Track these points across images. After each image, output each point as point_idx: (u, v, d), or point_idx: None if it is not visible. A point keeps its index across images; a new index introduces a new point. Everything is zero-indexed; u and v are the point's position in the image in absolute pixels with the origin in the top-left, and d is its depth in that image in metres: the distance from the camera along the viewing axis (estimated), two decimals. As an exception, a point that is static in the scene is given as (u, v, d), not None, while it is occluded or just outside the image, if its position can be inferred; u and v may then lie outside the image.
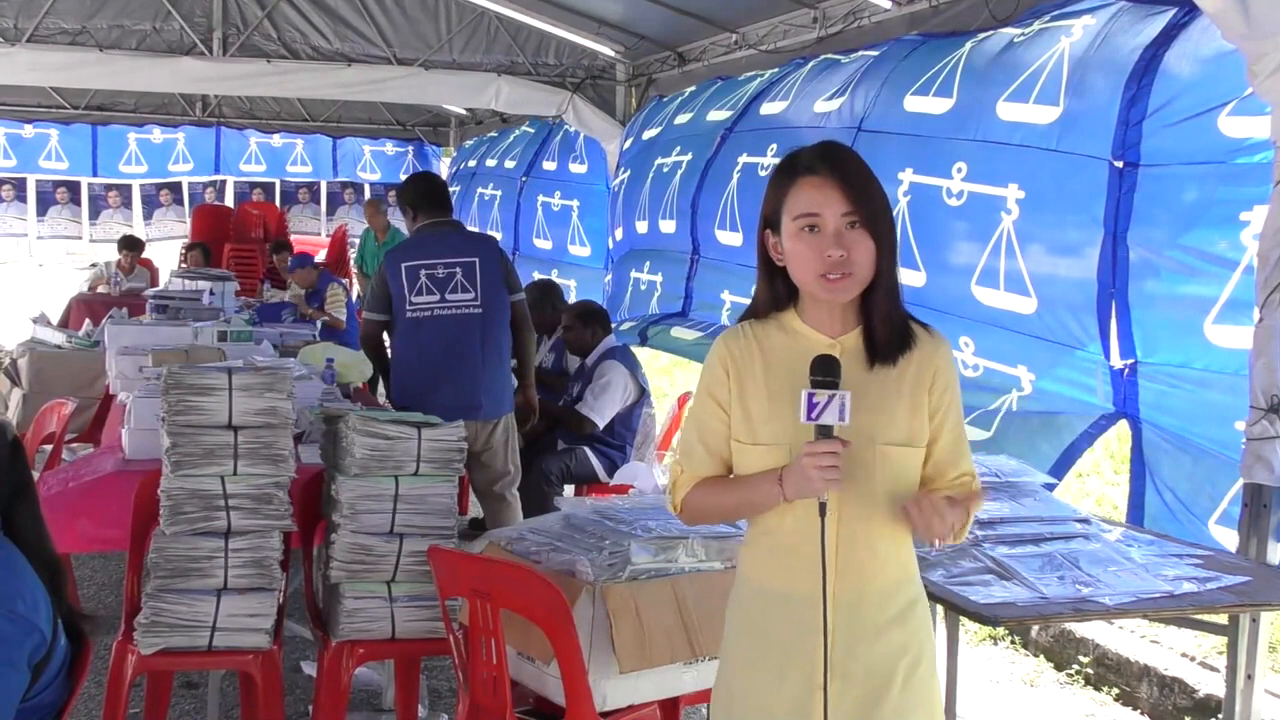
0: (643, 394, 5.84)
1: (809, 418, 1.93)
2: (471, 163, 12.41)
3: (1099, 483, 6.86)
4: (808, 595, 2.02)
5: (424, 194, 5.12)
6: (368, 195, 15.34)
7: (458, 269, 4.89)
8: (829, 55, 6.13)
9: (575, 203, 9.61)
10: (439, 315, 4.88)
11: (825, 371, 1.95)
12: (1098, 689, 4.62)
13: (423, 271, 4.87)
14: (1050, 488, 3.79)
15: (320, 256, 13.31)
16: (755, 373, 2.08)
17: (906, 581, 2.11)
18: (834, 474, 1.92)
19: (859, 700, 2.04)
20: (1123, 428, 4.08)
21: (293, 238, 13.19)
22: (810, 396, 1.93)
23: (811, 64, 6.24)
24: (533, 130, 10.78)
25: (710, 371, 2.14)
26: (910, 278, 4.75)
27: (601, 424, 5.68)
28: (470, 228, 7.13)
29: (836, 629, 2.01)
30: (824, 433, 1.94)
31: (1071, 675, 4.73)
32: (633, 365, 5.83)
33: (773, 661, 2.09)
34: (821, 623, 1.99)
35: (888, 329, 2.05)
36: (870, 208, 2.00)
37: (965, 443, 2.14)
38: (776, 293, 2.12)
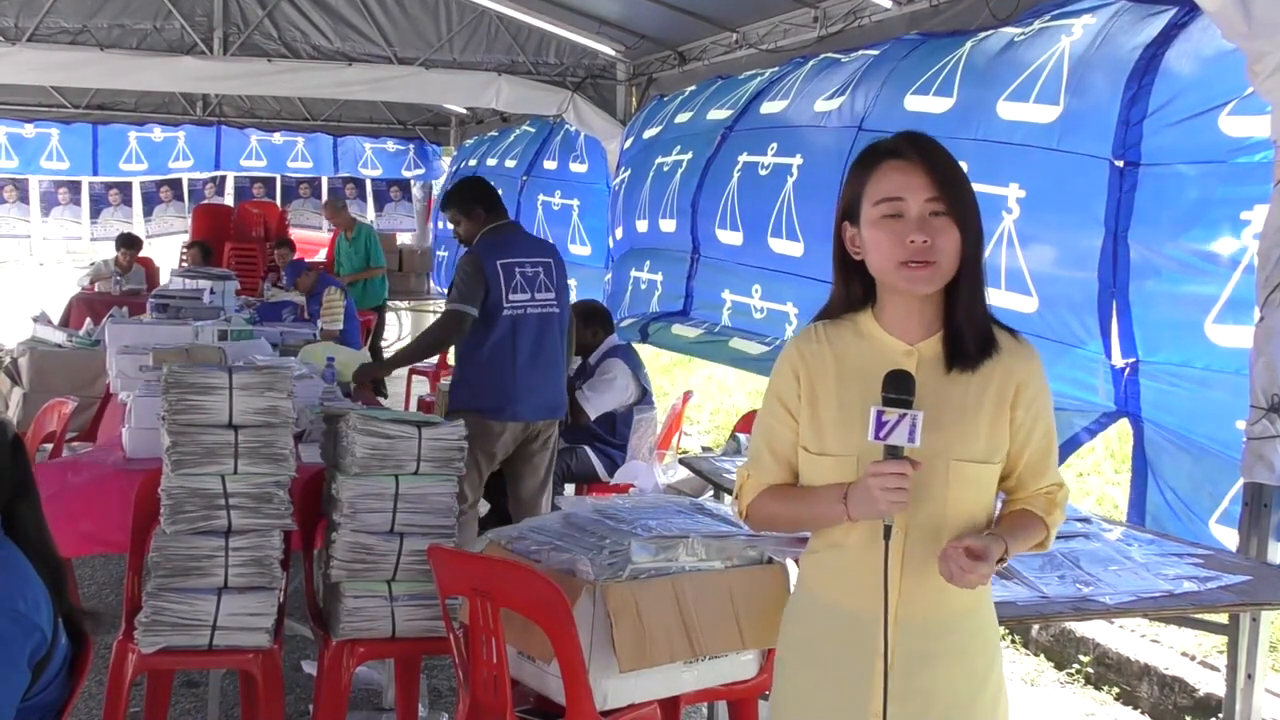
0: (644, 395, 5.83)
1: (877, 436, 1.83)
2: (472, 162, 12.41)
3: (1099, 482, 6.86)
4: (870, 615, 1.93)
5: (485, 196, 5.13)
6: (369, 191, 15.36)
7: (540, 268, 4.94)
8: (829, 54, 6.13)
9: (576, 202, 9.61)
10: (530, 313, 4.90)
11: (898, 389, 1.85)
12: (1098, 688, 4.62)
13: (517, 269, 4.88)
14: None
15: (320, 256, 13.34)
16: (827, 379, 1.98)
17: (976, 607, 2.01)
18: (900, 497, 1.82)
19: None
20: (1124, 427, 4.08)
21: (293, 233, 13.19)
22: (879, 415, 1.83)
23: (812, 63, 6.24)
24: (533, 130, 10.78)
25: (780, 376, 2.03)
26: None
27: (594, 415, 5.67)
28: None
29: (897, 653, 1.92)
30: (893, 452, 1.84)
31: (1072, 674, 4.73)
32: (635, 365, 5.83)
33: (828, 681, 2.01)
34: (882, 646, 1.90)
35: (971, 332, 1.94)
36: (957, 196, 1.90)
37: (1054, 454, 2.04)
38: (852, 292, 2.01)
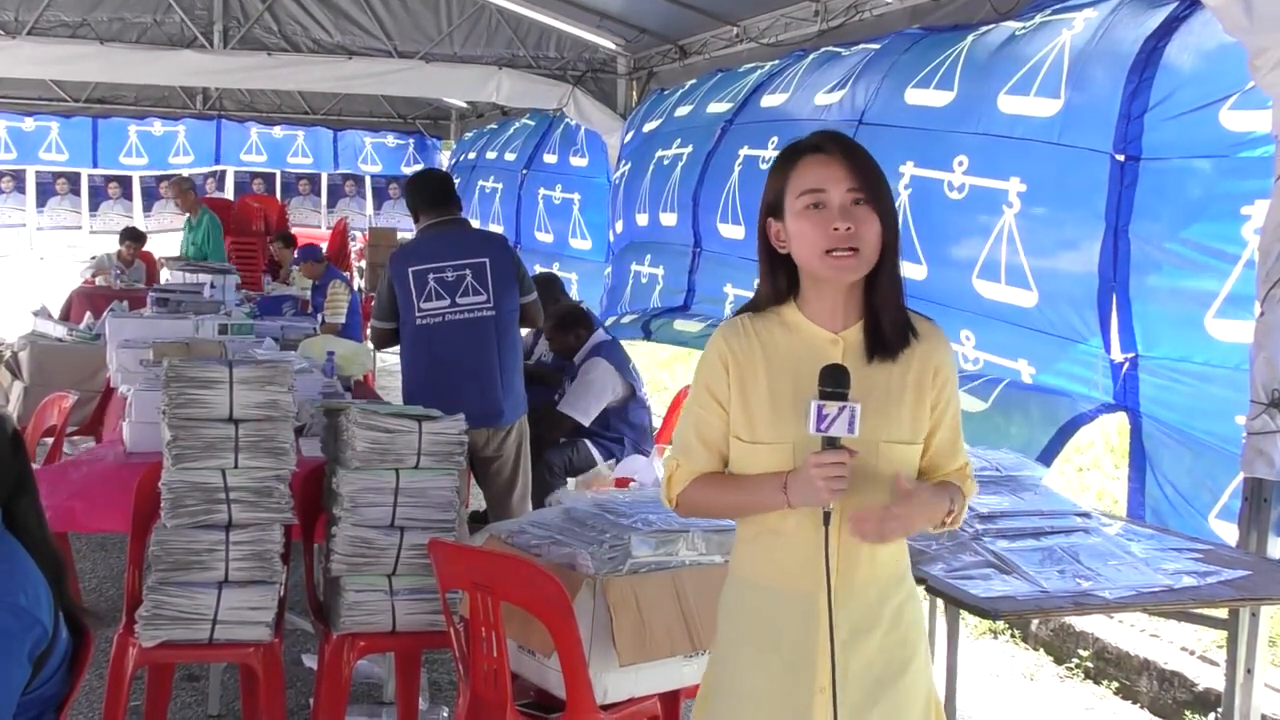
0: (633, 391, 5.80)
1: (818, 429, 1.90)
2: (471, 155, 12.41)
3: (1099, 477, 6.87)
4: (810, 595, 2.00)
5: (423, 194, 4.93)
6: (368, 188, 15.35)
7: (468, 271, 4.71)
8: (830, 48, 6.13)
9: (576, 196, 9.61)
10: (451, 320, 4.69)
11: (835, 382, 1.91)
12: (1097, 683, 4.63)
13: (430, 275, 4.68)
14: (1045, 461, 3.81)
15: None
16: (756, 370, 2.04)
17: (901, 577, 2.10)
18: (841, 485, 1.90)
19: (859, 698, 2.03)
20: (1123, 422, 4.08)
21: (293, 230, 13.21)
22: (820, 408, 1.90)
23: (812, 56, 6.23)
24: (533, 123, 10.77)
25: (708, 366, 2.09)
26: (911, 271, 4.74)
27: (586, 421, 5.63)
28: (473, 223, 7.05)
29: (838, 629, 1.98)
30: (831, 442, 1.91)
31: (1071, 669, 4.74)
32: (620, 362, 5.77)
33: (772, 663, 2.06)
34: (826, 624, 1.97)
35: (889, 319, 2.02)
36: (876, 187, 1.98)
37: (960, 435, 2.13)
38: (778, 285, 2.08)
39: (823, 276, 2.00)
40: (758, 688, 2.08)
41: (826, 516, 1.94)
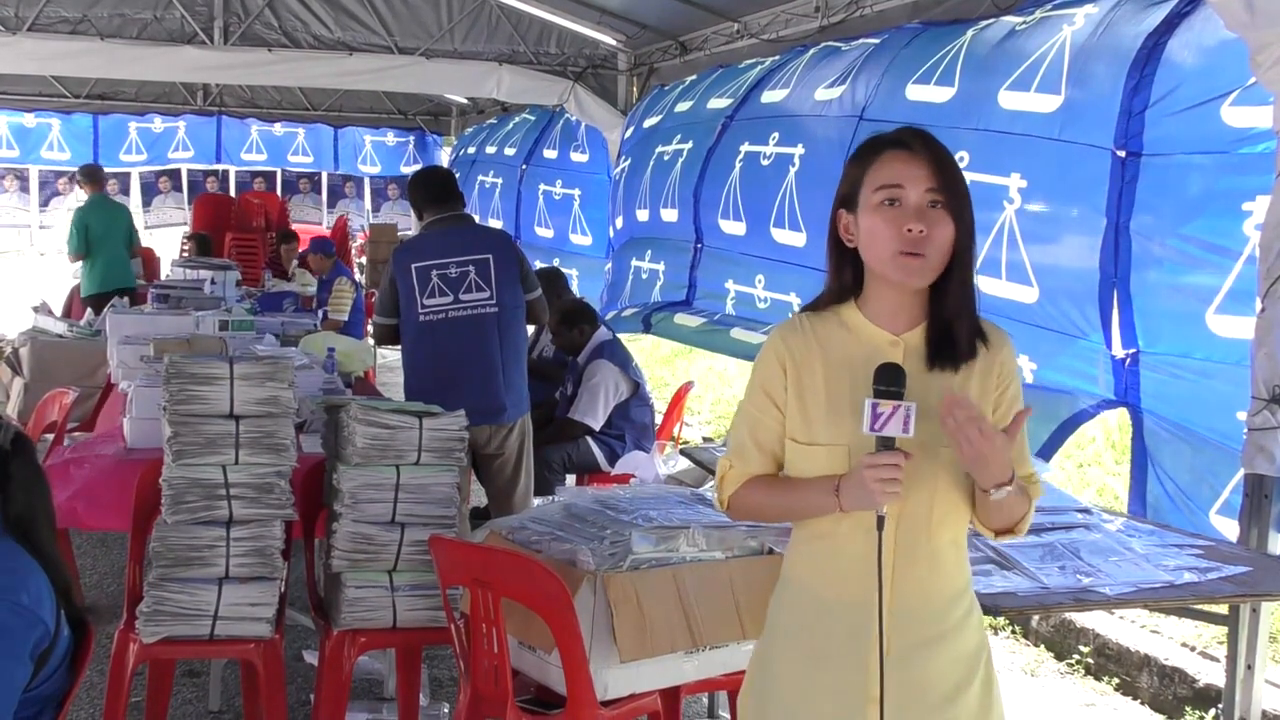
0: (637, 388, 5.81)
1: (872, 429, 1.84)
2: (471, 149, 12.39)
3: (1100, 473, 6.86)
4: (862, 605, 1.94)
5: (427, 190, 4.91)
6: (367, 189, 15.32)
7: (470, 267, 4.69)
8: (830, 43, 6.12)
9: (577, 191, 9.60)
10: (454, 317, 4.68)
11: (890, 381, 1.86)
12: (1098, 679, 4.63)
13: (434, 272, 4.67)
14: (1046, 457, 3.80)
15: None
16: (814, 370, 1.99)
17: (963, 590, 2.03)
18: (895, 487, 1.84)
19: (914, 714, 1.97)
20: (1124, 418, 4.08)
21: (294, 227, 13.22)
22: (874, 407, 1.84)
23: (812, 51, 6.22)
24: (533, 118, 10.75)
25: (766, 367, 2.04)
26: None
27: (597, 425, 5.67)
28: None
29: (892, 641, 1.93)
30: (886, 444, 1.86)
31: (1072, 665, 4.74)
32: (623, 361, 5.79)
33: (823, 672, 2.01)
34: (876, 634, 1.91)
35: (964, 327, 1.95)
36: (955, 190, 1.91)
37: (1026, 444, 2.05)
38: (844, 280, 2.02)
39: (888, 278, 1.94)
40: (807, 695, 2.03)
41: (880, 521, 1.88)
